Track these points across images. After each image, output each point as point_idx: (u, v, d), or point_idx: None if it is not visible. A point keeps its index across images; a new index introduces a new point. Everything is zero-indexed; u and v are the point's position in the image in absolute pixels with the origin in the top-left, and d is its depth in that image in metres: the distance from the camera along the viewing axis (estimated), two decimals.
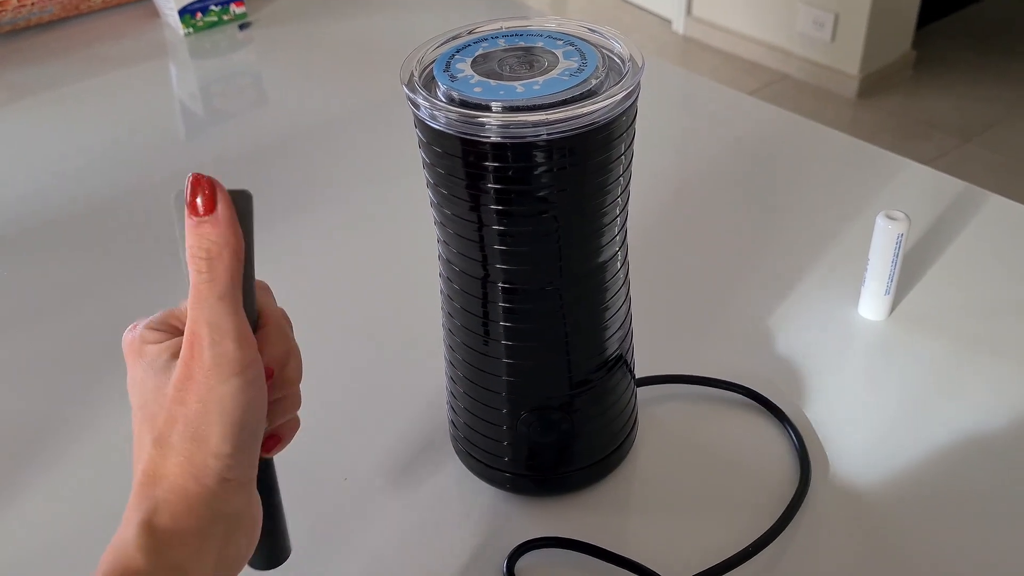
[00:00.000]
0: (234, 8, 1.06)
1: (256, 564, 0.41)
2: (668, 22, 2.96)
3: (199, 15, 1.04)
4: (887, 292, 0.58)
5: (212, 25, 1.05)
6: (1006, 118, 2.47)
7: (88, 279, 0.68)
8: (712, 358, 0.57)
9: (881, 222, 0.56)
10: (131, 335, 0.35)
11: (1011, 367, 0.55)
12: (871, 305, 0.58)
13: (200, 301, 0.32)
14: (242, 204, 0.34)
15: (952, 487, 0.48)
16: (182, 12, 1.03)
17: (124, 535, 0.31)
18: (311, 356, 0.59)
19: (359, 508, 0.49)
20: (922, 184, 0.72)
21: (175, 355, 0.33)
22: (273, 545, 0.41)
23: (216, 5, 1.04)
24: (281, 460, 0.52)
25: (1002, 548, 0.45)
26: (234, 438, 0.32)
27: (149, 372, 0.33)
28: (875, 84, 2.58)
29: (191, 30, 1.04)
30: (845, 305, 0.60)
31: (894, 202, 0.69)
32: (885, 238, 0.56)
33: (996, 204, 0.69)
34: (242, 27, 1.06)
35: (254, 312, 0.35)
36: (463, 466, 0.50)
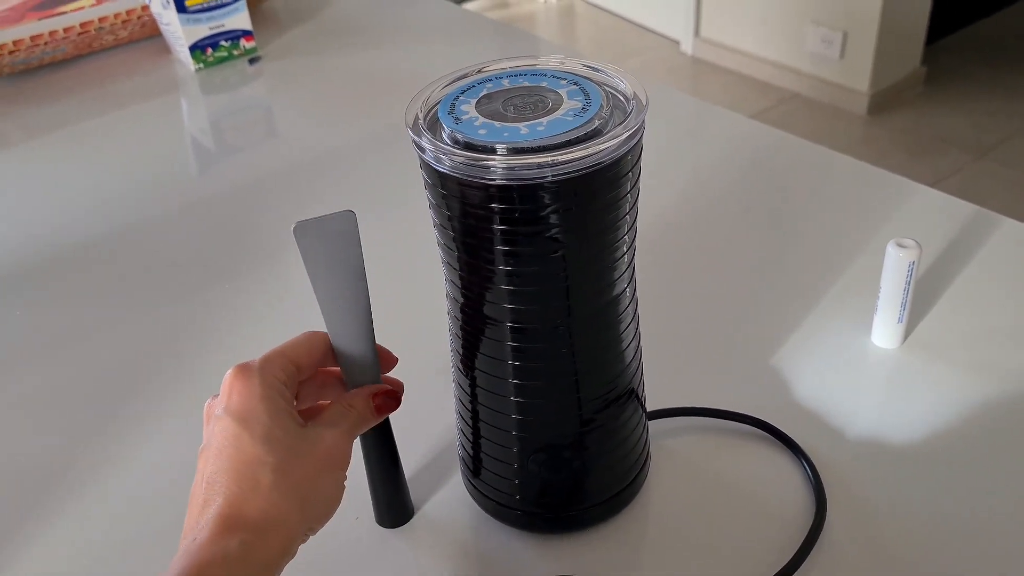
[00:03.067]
0: (244, 43, 1.07)
1: (385, 523, 0.50)
2: (676, 43, 2.97)
3: (209, 50, 1.05)
4: (900, 320, 0.57)
5: (222, 60, 1.06)
6: (1020, 132, 2.45)
7: (104, 314, 0.68)
8: (724, 390, 0.56)
9: (892, 250, 0.55)
10: (246, 384, 0.39)
11: (1021, 393, 0.54)
12: (884, 333, 0.58)
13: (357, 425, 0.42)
14: (347, 224, 0.40)
15: (973, 522, 0.47)
16: (192, 48, 1.04)
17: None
18: None
19: (371, 547, 0.49)
20: (933, 208, 0.72)
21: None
22: (401, 506, 0.50)
23: (226, 40, 1.05)
24: None
25: None
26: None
27: (287, 429, 0.38)
28: (886, 101, 2.57)
29: (202, 65, 1.05)
30: (858, 334, 0.59)
31: (904, 227, 0.69)
32: (896, 266, 0.55)
33: (1008, 227, 0.68)
34: (252, 62, 1.07)
35: (372, 332, 0.43)
36: (475, 504, 0.50)
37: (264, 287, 0.70)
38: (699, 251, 0.69)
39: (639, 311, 0.46)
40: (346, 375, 0.44)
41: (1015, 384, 0.55)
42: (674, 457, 0.52)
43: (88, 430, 0.58)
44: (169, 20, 1.04)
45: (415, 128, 0.40)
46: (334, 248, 0.40)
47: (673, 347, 0.59)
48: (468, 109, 0.40)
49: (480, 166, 0.37)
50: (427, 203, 0.42)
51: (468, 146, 0.38)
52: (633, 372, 0.46)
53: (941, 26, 2.80)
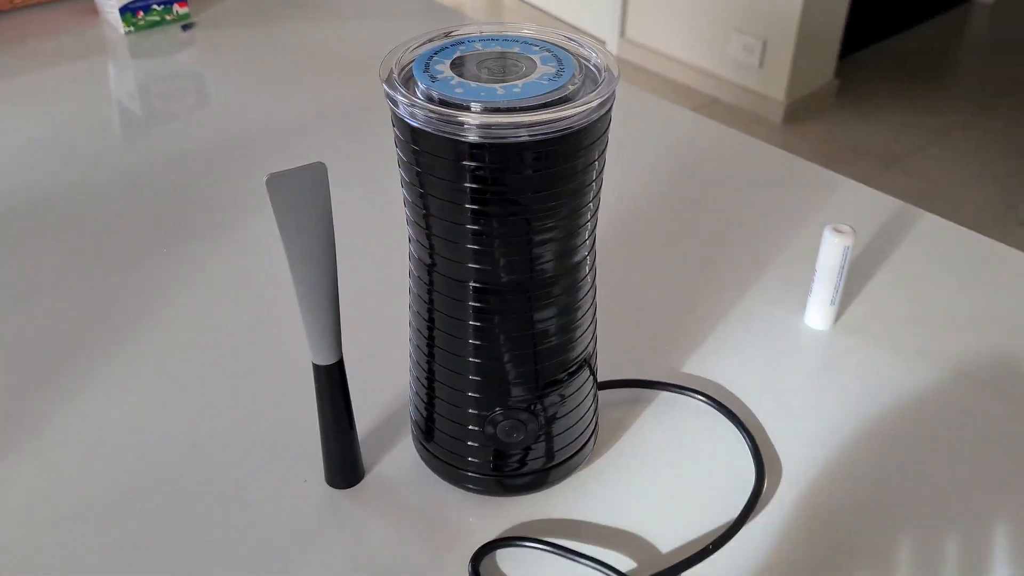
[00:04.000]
0: (177, 8, 1.04)
1: (337, 484, 0.50)
2: (602, 43, 3.01)
3: (140, 14, 1.02)
4: (832, 302, 0.60)
5: (154, 24, 1.03)
6: (925, 147, 2.58)
7: (23, 279, 0.66)
8: (666, 365, 0.58)
9: (828, 235, 0.58)
10: None
11: (946, 372, 0.57)
12: (817, 315, 0.61)
13: None
14: (318, 175, 0.39)
15: (892, 483, 0.50)
16: (123, 10, 1.01)
17: None
18: (271, 355, 0.59)
19: (322, 508, 0.49)
20: (859, 201, 0.75)
21: None
22: (353, 467, 0.50)
23: (158, 4, 1.02)
24: (240, 464, 0.51)
25: (936, 540, 0.47)
26: None
27: None
28: (800, 110, 2.67)
29: (132, 29, 1.02)
30: (792, 315, 0.62)
31: (833, 218, 0.72)
32: (832, 250, 0.58)
33: (930, 221, 0.72)
34: (185, 28, 1.05)
35: (336, 283, 0.43)
36: (426, 467, 0.50)
37: (194, 254, 0.68)
38: (645, 237, 0.71)
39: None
40: (308, 325, 0.44)
41: (934, 362, 0.58)
42: (621, 425, 0.54)
43: (12, 394, 0.56)
44: None
45: (389, 83, 0.40)
46: (305, 199, 0.40)
47: (620, 323, 0.61)
48: (443, 69, 0.41)
49: (455, 123, 0.38)
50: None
51: (444, 103, 0.39)
52: (588, 340, 0.48)
53: (854, 40, 2.92)
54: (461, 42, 0.43)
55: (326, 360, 0.45)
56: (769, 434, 0.53)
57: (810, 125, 2.64)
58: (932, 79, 2.94)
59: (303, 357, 0.56)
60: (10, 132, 0.85)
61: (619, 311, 0.62)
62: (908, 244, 0.69)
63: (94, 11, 1.06)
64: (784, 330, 0.61)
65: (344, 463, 0.50)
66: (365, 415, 0.54)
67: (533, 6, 3.28)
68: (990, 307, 0.63)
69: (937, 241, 0.70)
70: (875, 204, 0.75)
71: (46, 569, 0.46)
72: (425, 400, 0.48)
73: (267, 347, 0.60)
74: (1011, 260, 0.68)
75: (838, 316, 0.62)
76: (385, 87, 0.40)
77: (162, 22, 1.04)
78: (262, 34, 1.05)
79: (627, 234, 0.71)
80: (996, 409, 0.55)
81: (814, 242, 0.69)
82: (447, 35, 0.44)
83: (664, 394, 0.56)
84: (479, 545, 0.47)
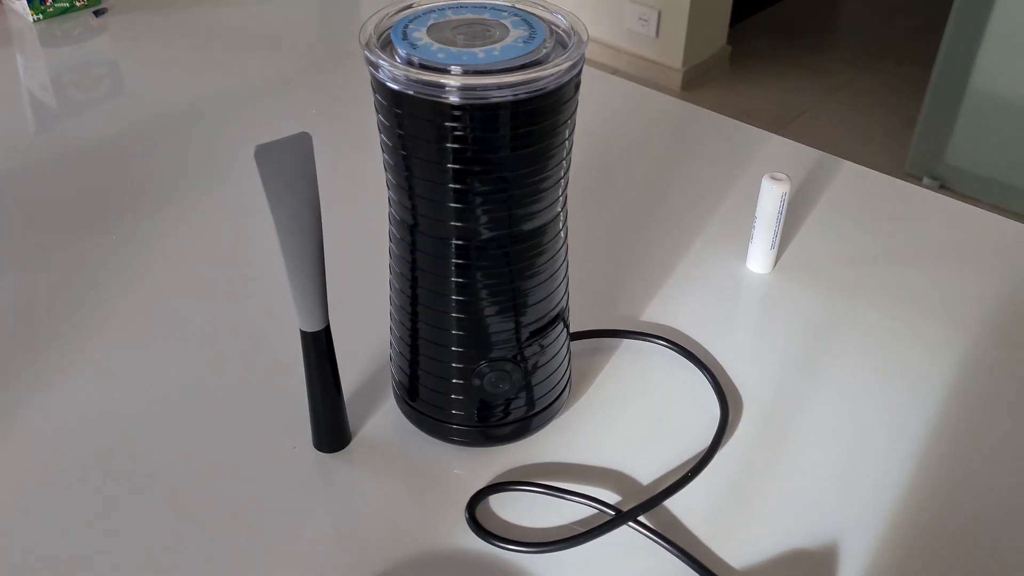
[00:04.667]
0: None
1: (324, 448, 0.51)
2: None
3: (49, 0, 0.99)
4: (772, 247, 0.64)
5: (64, 11, 1.00)
6: (815, 107, 2.70)
7: None
8: (626, 314, 0.61)
9: (767, 183, 0.62)
10: None
11: (874, 306, 0.62)
12: (758, 259, 0.65)
13: None
14: (303, 145, 0.40)
15: (836, 401, 0.55)
16: None
17: None
18: (248, 322, 0.59)
19: (312, 475, 0.50)
20: (780, 152, 0.80)
21: None
22: (340, 430, 0.51)
23: None
24: (230, 434, 0.52)
25: (877, 461, 0.52)
26: None
27: None
28: (697, 77, 2.75)
29: (40, 16, 0.99)
30: (736, 261, 0.66)
31: (762, 169, 0.76)
32: (770, 197, 0.62)
33: (848, 168, 0.77)
34: (97, 14, 1.02)
35: (322, 258, 0.44)
36: (410, 425, 0.52)
37: (130, 246, 0.68)
38: (592, 198, 0.74)
39: None
40: (296, 293, 0.45)
41: (865, 297, 0.63)
42: (591, 373, 0.57)
43: None
44: None
45: (370, 49, 0.41)
46: (292, 168, 0.41)
47: (580, 279, 0.63)
48: (420, 36, 0.42)
49: (438, 85, 0.40)
50: (376, 126, 0.44)
51: (425, 67, 0.40)
52: (563, 292, 0.50)
53: (743, 8, 3.02)
54: (433, 10, 0.45)
55: (314, 327, 0.47)
56: (727, 371, 0.57)
57: (706, 91, 2.72)
58: (816, 43, 3.07)
59: (287, 326, 0.57)
60: None
61: (579, 267, 0.65)
62: (830, 190, 0.74)
63: None
64: (729, 275, 0.65)
65: (332, 427, 0.51)
66: (346, 380, 0.55)
67: None
68: (911, 242, 0.69)
69: (854, 186, 0.75)
70: (795, 154, 0.79)
71: (35, 542, 0.46)
72: (409, 359, 0.50)
73: (244, 321, 0.60)
74: (922, 199, 0.74)
75: (777, 259, 0.66)
76: (366, 53, 0.41)
77: (72, 8, 1.00)
78: (176, 18, 1.03)
79: (578, 197, 0.73)
80: (918, 329, 0.60)
81: (746, 192, 0.73)
82: (413, 5, 0.46)
83: (627, 341, 0.59)
84: (471, 495, 0.49)
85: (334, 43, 1.00)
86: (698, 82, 2.75)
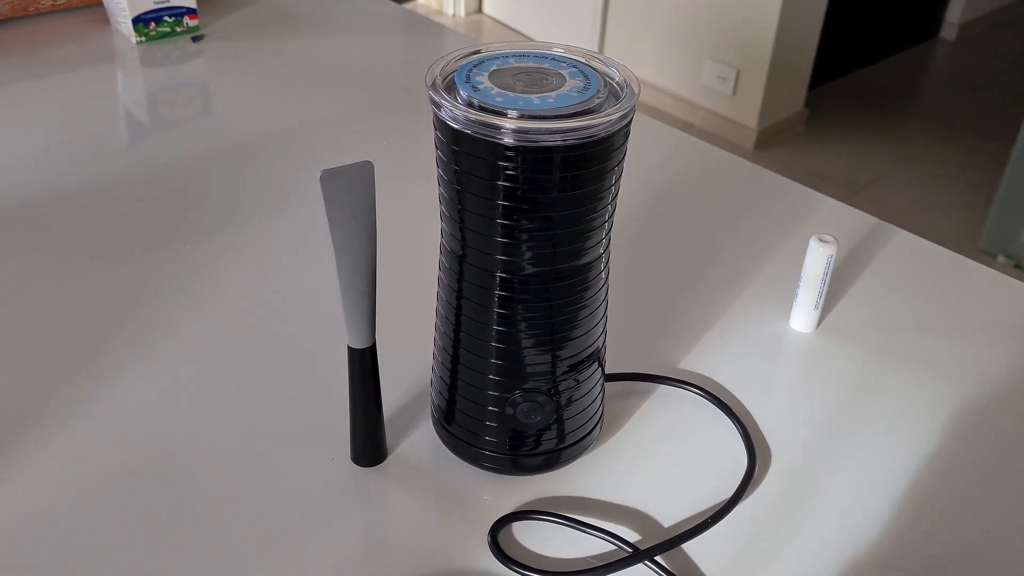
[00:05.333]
0: (188, 20, 1.08)
1: (361, 462, 0.54)
2: None
3: (152, 24, 1.05)
4: (816, 307, 0.65)
5: (164, 35, 1.07)
6: (888, 175, 2.67)
7: (25, 281, 0.69)
8: (665, 361, 0.63)
9: (814, 244, 0.63)
10: None
11: (917, 372, 0.63)
12: (801, 318, 0.66)
13: None
14: (365, 173, 0.43)
15: (868, 465, 0.55)
16: (136, 20, 1.04)
17: None
18: (300, 341, 0.62)
19: (347, 487, 0.53)
20: (837, 217, 0.81)
21: None
22: (378, 446, 0.54)
23: (170, 16, 1.06)
24: (271, 442, 0.55)
25: (896, 533, 0.52)
26: None
27: None
28: (771, 137, 2.76)
29: (143, 39, 1.06)
30: (778, 319, 0.67)
31: (814, 231, 0.77)
32: (817, 258, 0.63)
33: (902, 237, 0.78)
34: (195, 39, 1.08)
35: (374, 279, 0.47)
36: (445, 448, 0.54)
37: (203, 259, 0.72)
38: (644, 246, 0.76)
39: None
40: (348, 311, 0.48)
41: (907, 363, 0.63)
42: (624, 414, 0.58)
43: (21, 392, 0.59)
44: None
45: (435, 89, 0.44)
46: (353, 193, 0.44)
47: (623, 323, 0.65)
48: (482, 80, 0.45)
49: (495, 127, 0.42)
50: (435, 160, 0.47)
51: (484, 109, 0.43)
52: (601, 330, 0.52)
53: (823, 72, 3.02)
54: (496, 57, 0.48)
55: (362, 344, 0.49)
56: (759, 424, 0.58)
57: (780, 151, 2.72)
58: (895, 111, 3.04)
59: (333, 343, 0.60)
60: (22, 137, 0.88)
61: (622, 311, 0.66)
62: (883, 257, 0.75)
63: (106, 20, 1.10)
64: (771, 332, 0.66)
65: (370, 442, 0.53)
66: (387, 399, 0.58)
67: (512, 29, 3.35)
68: (956, 314, 0.69)
69: (908, 255, 0.76)
70: (852, 220, 0.80)
71: (76, 544, 0.49)
72: (448, 383, 0.52)
73: (292, 335, 0.64)
74: (975, 273, 0.74)
75: (820, 320, 0.67)
76: (431, 93, 0.44)
77: (172, 33, 1.07)
78: (267, 47, 1.09)
79: (629, 243, 0.76)
80: (962, 402, 0.60)
81: (796, 253, 0.74)
82: (479, 51, 0.49)
83: (663, 387, 0.60)
84: (495, 519, 0.51)
85: (412, 80, 1.05)
86: (772, 142, 2.75)
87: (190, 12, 1.08)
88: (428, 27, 1.22)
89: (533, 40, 3.22)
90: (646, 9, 2.80)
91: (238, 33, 1.12)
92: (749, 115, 2.68)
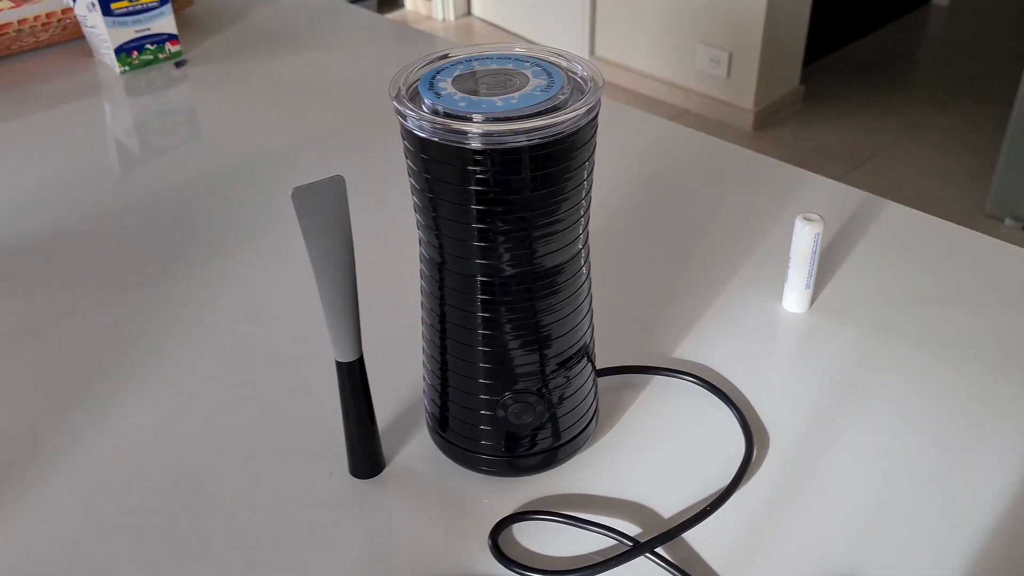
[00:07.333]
0: (170, 47, 1.08)
1: (359, 474, 0.54)
2: None
3: (135, 53, 1.06)
4: (807, 286, 0.65)
5: (148, 63, 1.08)
6: (890, 146, 2.66)
7: (39, 310, 0.70)
8: (658, 351, 0.63)
9: (800, 223, 0.63)
10: None
11: (913, 347, 0.62)
12: (793, 299, 0.66)
13: None
14: (337, 187, 0.43)
15: (868, 449, 0.55)
16: (118, 50, 1.05)
17: None
18: (292, 360, 0.63)
19: (347, 501, 0.53)
20: (827, 195, 0.80)
21: None
22: (375, 457, 0.54)
23: (152, 44, 1.07)
24: (270, 462, 0.55)
25: (901, 506, 0.52)
26: None
27: None
28: (769, 117, 2.74)
29: (127, 68, 1.06)
30: (770, 301, 0.67)
31: (804, 211, 0.77)
32: (804, 237, 0.63)
33: (893, 209, 0.77)
34: (178, 65, 1.09)
35: (355, 292, 0.47)
36: (442, 454, 0.55)
37: (206, 274, 0.72)
38: (632, 236, 0.76)
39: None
40: (331, 325, 0.48)
41: (902, 338, 0.63)
42: (619, 408, 0.58)
43: (15, 428, 0.60)
44: (94, 23, 1.04)
45: (399, 100, 0.45)
46: (326, 209, 0.44)
47: (614, 316, 0.65)
48: (446, 86, 0.45)
49: (461, 132, 0.42)
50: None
51: (449, 115, 0.43)
52: (587, 326, 0.52)
53: (817, 48, 3.00)
54: (459, 62, 0.48)
55: (348, 357, 0.50)
56: (756, 409, 0.58)
57: (778, 131, 2.71)
58: (892, 81, 3.02)
59: (324, 359, 0.60)
60: (13, 175, 0.88)
61: (612, 305, 0.66)
62: (874, 232, 0.74)
63: (89, 53, 1.10)
64: (764, 314, 0.66)
65: (366, 454, 0.54)
66: (382, 410, 0.58)
67: (503, 29, 3.35)
68: (952, 284, 0.68)
69: (900, 228, 0.75)
70: (842, 197, 0.80)
71: (76, 555, 0.49)
72: (439, 391, 0.53)
73: (286, 353, 0.64)
74: (967, 241, 0.73)
75: (813, 299, 0.67)
76: (395, 104, 0.44)
77: (155, 60, 1.08)
78: (251, 68, 1.09)
79: (616, 235, 0.75)
80: (958, 376, 0.60)
81: (787, 234, 0.74)
82: (444, 56, 0.49)
83: (657, 378, 0.60)
84: (496, 521, 0.51)
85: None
86: (770, 122, 2.74)
87: (172, 38, 1.08)
88: (414, 36, 1.22)
89: (525, 40, 3.21)
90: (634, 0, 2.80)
91: (221, 56, 1.12)
92: (745, 97, 2.67)
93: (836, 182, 0.82)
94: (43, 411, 0.60)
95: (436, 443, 0.55)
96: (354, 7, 1.28)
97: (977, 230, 0.75)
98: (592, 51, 3.01)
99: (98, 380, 0.62)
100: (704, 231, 0.76)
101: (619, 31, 2.91)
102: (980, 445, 0.55)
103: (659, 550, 0.48)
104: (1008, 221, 2.26)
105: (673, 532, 0.49)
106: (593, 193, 0.50)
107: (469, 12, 3.53)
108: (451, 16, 3.51)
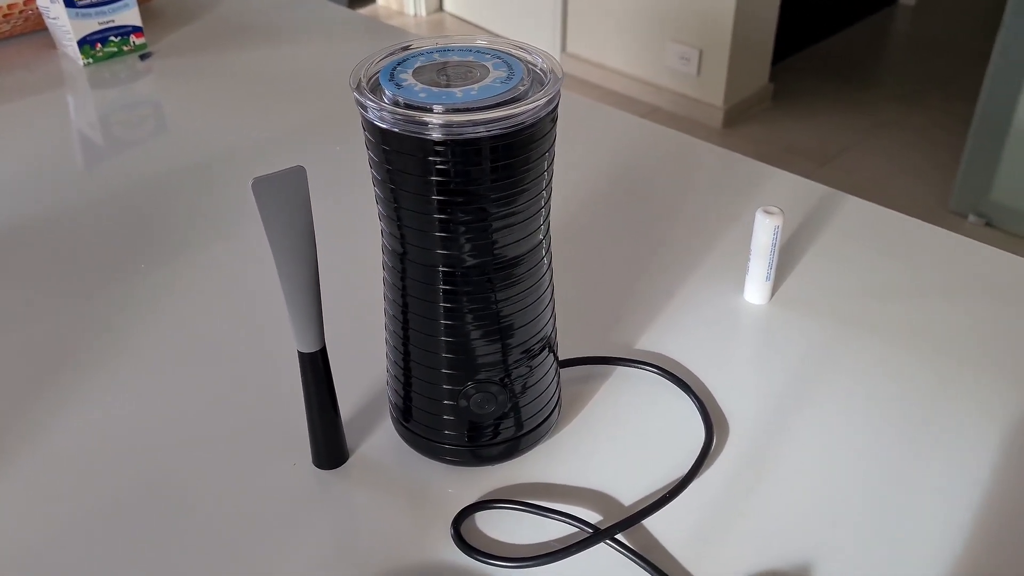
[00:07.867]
0: (134, 39, 1.07)
1: (323, 465, 0.54)
2: None
3: (99, 45, 1.05)
4: (768, 278, 0.66)
5: (112, 56, 1.07)
6: (858, 143, 2.69)
7: (4, 304, 0.69)
8: (621, 342, 0.63)
9: (760, 216, 0.64)
10: None
11: (871, 338, 0.63)
12: (754, 291, 0.66)
13: None
14: (298, 178, 0.43)
15: (824, 435, 0.56)
16: (81, 43, 1.04)
17: None
18: (254, 353, 0.63)
19: (311, 491, 0.53)
20: (790, 190, 0.81)
21: None
22: (338, 448, 0.54)
23: (116, 36, 1.06)
24: (233, 453, 0.55)
25: (857, 491, 0.53)
26: None
27: None
28: (739, 115, 2.77)
29: (91, 60, 1.05)
30: (732, 293, 0.68)
31: (767, 203, 0.78)
32: (764, 230, 0.64)
33: (854, 204, 0.78)
34: (143, 57, 1.08)
35: (317, 283, 0.47)
36: (405, 445, 0.55)
37: (169, 268, 0.72)
38: (596, 229, 0.76)
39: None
40: (293, 315, 0.48)
41: (861, 330, 0.64)
42: (582, 398, 0.59)
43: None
44: (57, 14, 1.03)
45: (360, 91, 0.45)
46: (287, 199, 0.44)
47: (577, 307, 0.66)
48: (406, 77, 0.45)
49: (421, 123, 0.43)
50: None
51: (410, 106, 0.43)
52: (548, 317, 0.53)
53: (786, 46, 3.03)
54: (421, 53, 0.48)
55: (310, 348, 0.50)
56: (716, 398, 0.59)
57: (748, 128, 2.74)
58: (861, 79, 3.06)
59: (286, 351, 0.60)
60: None
61: (576, 296, 0.67)
62: (835, 226, 0.76)
63: (52, 45, 1.09)
64: (725, 305, 0.67)
65: (330, 445, 0.54)
66: (346, 401, 0.58)
67: (474, 25, 3.34)
68: (910, 278, 0.70)
69: (861, 223, 0.76)
70: (806, 192, 0.81)
71: (51, 564, 0.49)
72: (402, 381, 0.53)
73: (249, 345, 0.64)
74: (927, 236, 0.75)
75: (773, 291, 0.68)
76: (356, 95, 0.45)
77: (120, 53, 1.07)
78: (218, 61, 1.09)
79: (580, 228, 0.76)
80: (916, 367, 0.61)
81: (751, 228, 0.75)
82: (406, 48, 0.49)
83: (619, 368, 0.61)
84: (458, 510, 0.51)
85: None
86: (740, 119, 2.76)
87: (136, 30, 1.07)
88: (385, 31, 1.22)
89: (496, 35, 3.23)
90: None
91: (187, 48, 1.11)
92: (715, 94, 2.69)
93: (800, 177, 0.83)
94: (3, 405, 0.59)
95: (399, 433, 0.55)
96: (324, 1, 1.27)
97: (941, 226, 0.76)
98: (564, 48, 3.02)
99: (62, 373, 0.62)
100: (669, 225, 0.77)
101: (590, 28, 2.92)
102: (936, 434, 0.56)
103: (619, 537, 0.49)
104: (972, 217, 2.30)
105: (633, 519, 0.50)
106: (561, 187, 0.50)
107: (441, 8, 3.52)
108: (423, 12, 3.50)
